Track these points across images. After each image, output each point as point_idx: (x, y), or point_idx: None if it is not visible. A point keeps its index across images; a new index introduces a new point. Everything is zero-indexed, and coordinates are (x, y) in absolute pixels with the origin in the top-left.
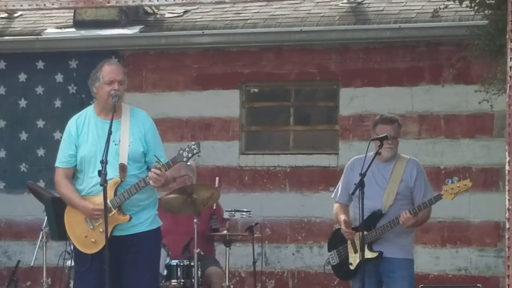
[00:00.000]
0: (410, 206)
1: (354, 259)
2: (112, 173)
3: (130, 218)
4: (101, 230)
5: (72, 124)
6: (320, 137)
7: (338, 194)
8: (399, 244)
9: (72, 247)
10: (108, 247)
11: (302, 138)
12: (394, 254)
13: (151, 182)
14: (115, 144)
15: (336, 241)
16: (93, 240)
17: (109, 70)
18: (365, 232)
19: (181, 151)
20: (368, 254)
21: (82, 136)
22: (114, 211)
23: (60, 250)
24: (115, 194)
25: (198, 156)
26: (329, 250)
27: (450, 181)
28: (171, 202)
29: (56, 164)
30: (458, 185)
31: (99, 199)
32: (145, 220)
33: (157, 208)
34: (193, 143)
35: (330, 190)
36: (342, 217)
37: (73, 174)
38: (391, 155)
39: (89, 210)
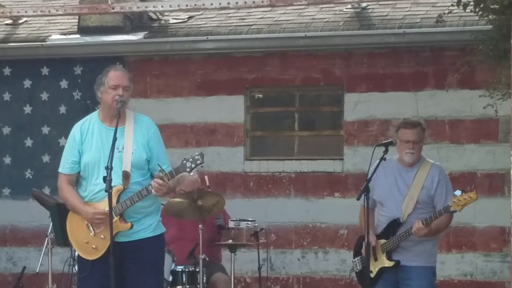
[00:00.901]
0: (431, 214)
1: (374, 267)
2: (115, 181)
3: (132, 226)
4: (102, 236)
5: (76, 130)
6: (325, 142)
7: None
8: (417, 252)
9: (76, 253)
10: (112, 253)
11: (307, 144)
12: (411, 262)
13: (153, 191)
14: (119, 151)
15: (360, 248)
16: (94, 246)
17: (114, 76)
18: (384, 241)
19: (185, 161)
20: (386, 263)
21: (86, 143)
22: (116, 218)
23: (65, 256)
24: (117, 202)
25: (202, 167)
26: (354, 257)
27: (460, 193)
28: (176, 206)
29: (59, 170)
30: (465, 197)
31: (102, 205)
32: (148, 226)
33: (160, 214)
34: (196, 153)
35: (335, 195)
36: (371, 236)
37: (76, 180)
38: (412, 160)
39: (91, 215)
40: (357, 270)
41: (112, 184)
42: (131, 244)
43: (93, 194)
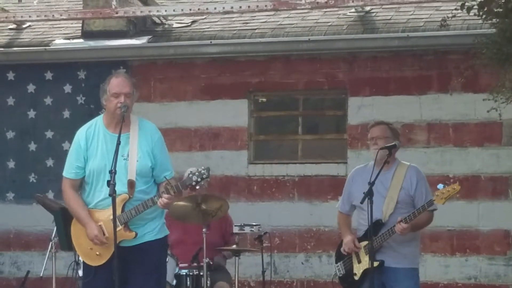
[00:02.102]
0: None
1: (357, 270)
2: (121, 189)
3: (136, 235)
4: (106, 244)
5: (81, 135)
6: (329, 146)
7: (340, 204)
8: (402, 253)
9: (80, 257)
10: (116, 257)
11: (310, 147)
12: (397, 264)
13: (159, 205)
14: (124, 159)
15: (342, 253)
16: (98, 253)
17: (115, 83)
18: (367, 242)
19: (191, 175)
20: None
21: (92, 149)
22: (120, 227)
23: (69, 260)
24: (122, 210)
25: (207, 181)
26: (336, 262)
27: (442, 186)
28: (179, 209)
29: (64, 174)
30: (448, 189)
31: (107, 213)
32: (151, 230)
33: (164, 217)
34: (203, 167)
35: (339, 199)
36: (345, 231)
37: (80, 185)
38: (379, 156)
39: (91, 235)
40: (341, 275)
41: (117, 193)
42: (135, 248)
43: (98, 201)
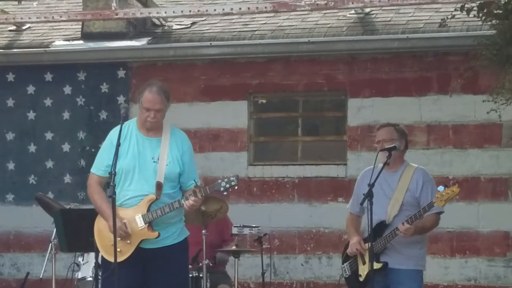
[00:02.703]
0: None
1: (362, 271)
2: (148, 190)
3: (159, 235)
4: (128, 241)
5: (114, 134)
6: (329, 147)
7: (350, 205)
8: (407, 255)
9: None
10: (135, 258)
11: (310, 149)
12: (401, 265)
13: (186, 206)
14: (154, 162)
15: (348, 253)
16: (119, 249)
17: (147, 99)
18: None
19: (220, 181)
20: (374, 265)
21: (123, 149)
22: (144, 226)
23: (69, 262)
24: (148, 210)
25: (235, 188)
26: (343, 263)
27: (442, 188)
28: None
29: (93, 170)
30: (447, 191)
31: (132, 212)
32: (172, 233)
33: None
34: (232, 175)
35: (339, 200)
36: (352, 232)
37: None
38: (381, 156)
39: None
40: (347, 276)
41: (145, 193)
42: (155, 251)
43: (124, 200)
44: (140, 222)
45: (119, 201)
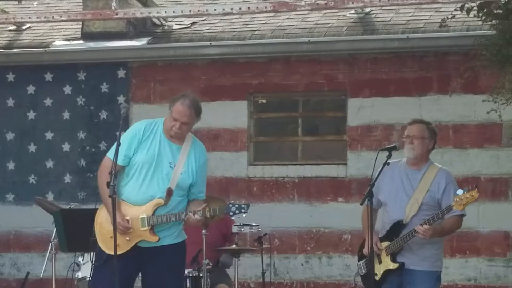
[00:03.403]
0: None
1: (378, 270)
2: (159, 194)
3: (158, 240)
4: (127, 238)
5: (140, 127)
6: (329, 147)
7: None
8: (422, 255)
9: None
10: (131, 256)
11: (310, 149)
12: (416, 266)
13: (187, 221)
14: (170, 167)
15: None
16: (117, 243)
17: (177, 110)
18: (388, 243)
19: (231, 206)
20: (390, 265)
21: (144, 144)
22: (146, 228)
23: (69, 261)
24: (153, 214)
25: (244, 216)
26: (359, 260)
27: (462, 192)
28: None
29: (108, 154)
30: (466, 196)
31: (136, 210)
32: (170, 234)
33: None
34: (243, 203)
35: (339, 200)
36: (366, 228)
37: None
38: (412, 155)
39: (116, 222)
40: (362, 274)
41: (155, 196)
42: (152, 250)
43: (132, 196)
44: (143, 223)
45: (125, 194)
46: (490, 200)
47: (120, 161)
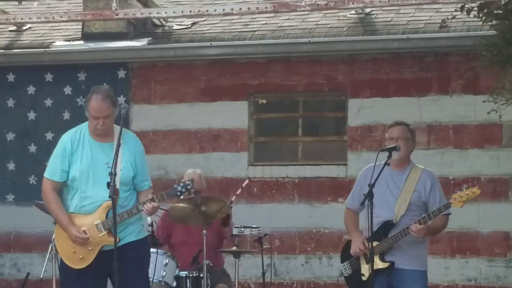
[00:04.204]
0: (421, 216)
1: (366, 270)
2: (105, 196)
3: (119, 241)
4: (89, 248)
5: (67, 140)
6: (329, 147)
7: (349, 200)
8: (412, 255)
9: (59, 260)
10: (96, 262)
11: (310, 149)
12: (405, 265)
13: (145, 212)
14: (108, 167)
15: (349, 252)
16: (80, 256)
17: (94, 107)
18: (376, 243)
19: (176, 186)
20: (380, 265)
21: (76, 155)
22: (104, 232)
23: None
24: (106, 217)
25: (191, 192)
26: (342, 261)
27: (460, 190)
28: (179, 212)
29: (46, 175)
30: (466, 192)
31: (90, 219)
32: (133, 231)
33: (165, 219)
34: (188, 180)
35: (339, 200)
36: (352, 230)
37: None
38: (398, 157)
39: (73, 236)
40: (347, 275)
41: (102, 199)
42: (119, 249)
43: (80, 206)
44: (99, 229)
45: (75, 207)
46: (490, 201)
47: (57, 178)
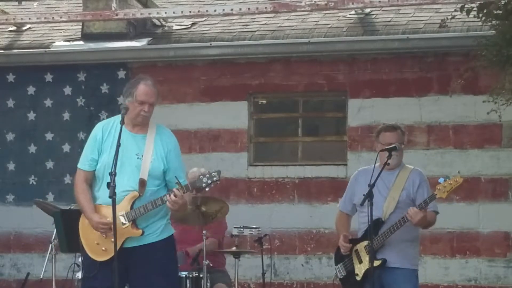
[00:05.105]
0: None
1: (359, 270)
2: (132, 187)
3: (143, 233)
4: (112, 240)
5: (98, 129)
6: (329, 148)
7: (341, 203)
8: (403, 253)
9: (80, 258)
10: (118, 258)
11: (310, 149)
12: (397, 264)
13: (168, 204)
14: (138, 158)
15: (341, 254)
16: (104, 248)
17: (143, 92)
18: (367, 242)
19: (202, 176)
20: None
21: (106, 143)
22: (128, 224)
23: (69, 262)
24: (131, 208)
25: (217, 183)
26: (336, 264)
27: (443, 180)
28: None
29: (78, 166)
30: (450, 182)
31: (117, 208)
32: (155, 230)
33: (168, 218)
34: (214, 170)
35: (339, 201)
36: (342, 231)
37: (93, 178)
38: (396, 162)
39: (95, 223)
40: (342, 276)
41: (128, 190)
42: (139, 249)
43: (106, 197)
44: (124, 220)
45: (101, 198)
46: (490, 201)
47: (87, 167)
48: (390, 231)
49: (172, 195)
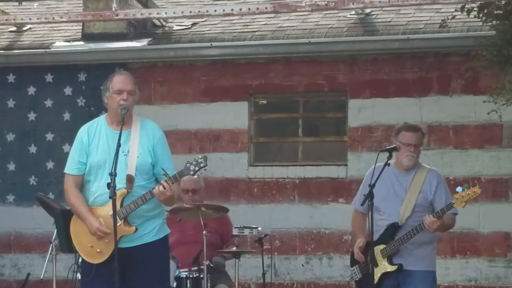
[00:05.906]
0: None
1: (376, 274)
2: (119, 184)
3: (136, 230)
4: (106, 240)
5: (83, 132)
6: (329, 148)
7: (356, 201)
8: (419, 256)
9: (79, 257)
10: (113, 260)
11: (310, 150)
12: (413, 266)
13: (156, 195)
14: (124, 155)
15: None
16: (98, 250)
17: (118, 80)
18: (384, 246)
19: (188, 164)
20: (388, 268)
21: (93, 145)
22: (120, 222)
23: (69, 262)
24: (121, 205)
25: (205, 170)
26: (352, 266)
27: (461, 189)
28: (178, 206)
29: (66, 171)
30: (468, 192)
31: (105, 210)
32: (150, 230)
33: (164, 217)
34: (200, 156)
35: (339, 201)
36: (358, 234)
37: (82, 183)
38: (412, 163)
39: (94, 229)
40: (357, 279)
41: (116, 188)
42: (135, 250)
43: (95, 197)
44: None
45: (91, 200)
46: (491, 201)
47: (75, 171)
48: (407, 237)
49: (160, 187)
